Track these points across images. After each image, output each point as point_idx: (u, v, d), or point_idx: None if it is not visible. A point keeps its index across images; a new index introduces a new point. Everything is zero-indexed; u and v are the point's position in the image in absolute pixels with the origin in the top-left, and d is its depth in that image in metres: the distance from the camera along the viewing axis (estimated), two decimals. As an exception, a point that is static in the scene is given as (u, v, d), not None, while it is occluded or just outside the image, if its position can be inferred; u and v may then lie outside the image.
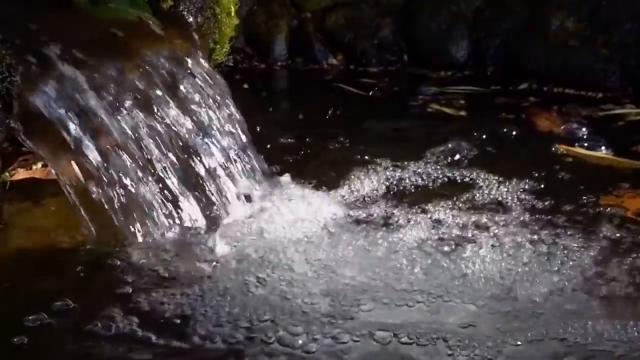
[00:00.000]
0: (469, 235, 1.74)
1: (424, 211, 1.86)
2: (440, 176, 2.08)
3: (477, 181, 2.03)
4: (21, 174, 2.00)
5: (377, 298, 1.51)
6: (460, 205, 1.89)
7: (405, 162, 2.13)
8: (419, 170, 2.10)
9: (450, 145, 2.25)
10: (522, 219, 1.82)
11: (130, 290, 1.53)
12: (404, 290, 1.54)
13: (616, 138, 2.38)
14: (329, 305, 1.48)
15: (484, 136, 2.37)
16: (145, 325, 1.42)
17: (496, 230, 1.76)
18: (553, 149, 2.30)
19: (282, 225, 1.77)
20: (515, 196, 1.94)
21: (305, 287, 1.55)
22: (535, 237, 1.73)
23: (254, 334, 1.39)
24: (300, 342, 1.37)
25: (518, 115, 2.65)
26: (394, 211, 1.86)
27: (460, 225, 1.79)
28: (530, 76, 2.99)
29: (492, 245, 1.69)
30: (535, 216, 1.83)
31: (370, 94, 2.97)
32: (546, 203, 1.90)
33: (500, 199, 1.93)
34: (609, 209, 1.88)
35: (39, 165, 2.00)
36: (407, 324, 1.42)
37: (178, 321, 1.44)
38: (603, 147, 2.31)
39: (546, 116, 2.63)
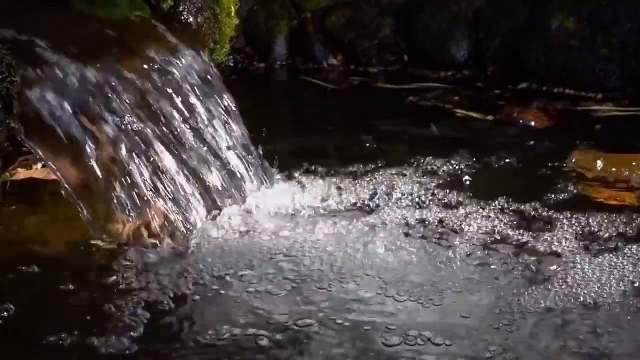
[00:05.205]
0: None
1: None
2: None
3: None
4: (21, 174, 2.00)
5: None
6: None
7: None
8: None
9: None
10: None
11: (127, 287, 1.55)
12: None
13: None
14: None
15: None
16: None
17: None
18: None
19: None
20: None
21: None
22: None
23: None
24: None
25: (495, 113, 2.67)
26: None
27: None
28: (530, 76, 2.99)
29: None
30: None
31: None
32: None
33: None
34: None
35: (39, 165, 2.00)
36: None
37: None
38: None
39: (532, 113, 2.65)
